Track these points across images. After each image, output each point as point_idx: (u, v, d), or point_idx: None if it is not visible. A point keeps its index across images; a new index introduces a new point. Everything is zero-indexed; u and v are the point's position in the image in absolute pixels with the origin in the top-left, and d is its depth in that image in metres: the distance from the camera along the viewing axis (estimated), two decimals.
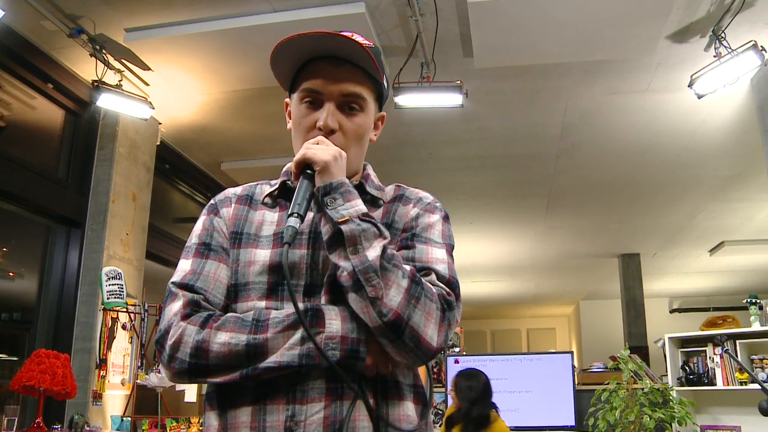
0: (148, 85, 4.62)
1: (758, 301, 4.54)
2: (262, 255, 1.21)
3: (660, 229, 8.63)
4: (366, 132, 1.30)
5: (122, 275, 4.46)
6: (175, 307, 1.16)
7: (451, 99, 4.22)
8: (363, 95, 1.26)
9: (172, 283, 1.21)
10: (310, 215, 1.22)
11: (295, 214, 1.12)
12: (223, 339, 1.10)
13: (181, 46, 4.15)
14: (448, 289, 1.15)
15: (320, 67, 1.24)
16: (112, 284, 4.39)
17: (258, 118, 5.31)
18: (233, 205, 1.31)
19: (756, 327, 4.50)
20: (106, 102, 4.28)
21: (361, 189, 1.29)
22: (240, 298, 1.20)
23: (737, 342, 4.53)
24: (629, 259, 9.97)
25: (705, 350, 4.74)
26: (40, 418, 3.33)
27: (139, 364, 4.47)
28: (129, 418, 4.13)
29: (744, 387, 4.36)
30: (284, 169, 1.35)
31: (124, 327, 4.48)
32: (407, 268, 1.11)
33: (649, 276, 10.22)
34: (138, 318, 4.53)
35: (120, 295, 4.40)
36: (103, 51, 4.16)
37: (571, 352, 4.73)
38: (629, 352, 4.53)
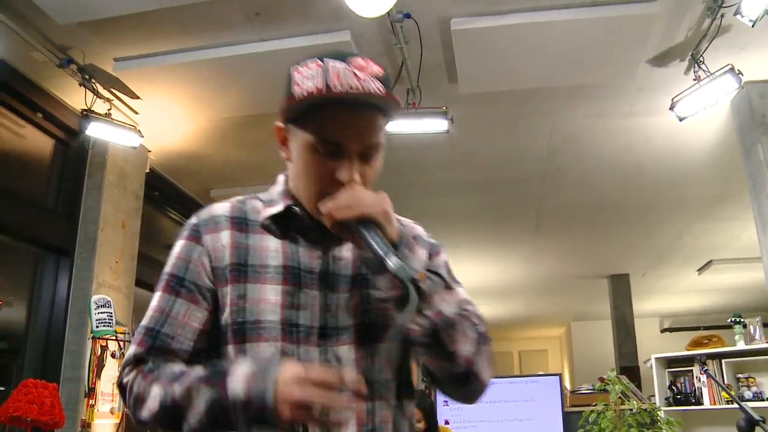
0: (137, 113, 4.66)
1: (742, 320, 4.58)
2: (273, 292, 1.12)
3: (648, 250, 8.69)
4: (376, 174, 1.20)
5: (111, 303, 4.46)
6: (128, 354, 1.15)
7: (437, 124, 4.28)
8: (382, 140, 1.17)
9: (142, 327, 1.16)
10: (315, 248, 1.17)
11: (412, 282, 1.01)
12: (154, 392, 1.06)
13: (170, 75, 4.20)
14: (484, 325, 1.16)
15: (342, 117, 1.09)
16: (102, 312, 4.38)
17: (246, 145, 5.35)
18: (228, 230, 1.17)
19: (741, 346, 4.54)
20: (95, 131, 4.31)
21: None
22: (250, 338, 1.10)
23: (723, 361, 4.56)
24: (618, 280, 9.99)
25: (692, 370, 4.77)
26: None
27: None
28: None
29: (730, 406, 4.38)
30: (280, 188, 1.23)
31: (113, 355, 4.46)
32: (471, 313, 1.13)
33: (638, 296, 10.24)
34: (127, 346, 4.52)
35: (109, 323, 4.39)
36: (93, 80, 4.20)
37: (559, 374, 4.75)
38: (617, 373, 4.56)
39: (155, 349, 1.11)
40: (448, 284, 1.11)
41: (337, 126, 1.10)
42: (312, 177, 1.13)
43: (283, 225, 1.18)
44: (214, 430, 1.02)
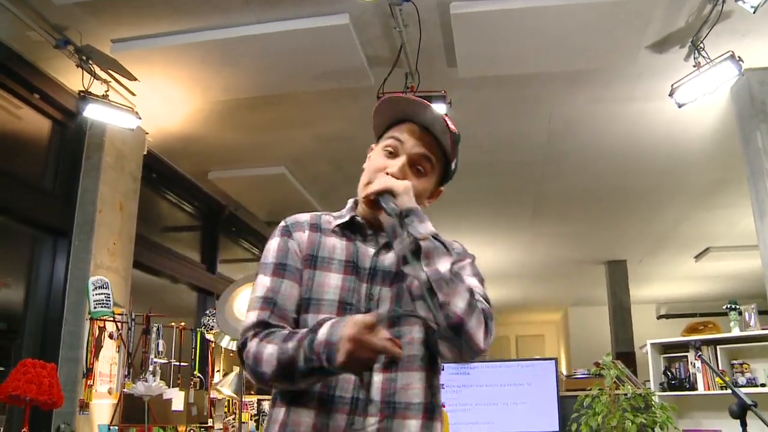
0: (134, 95, 4.64)
1: (737, 306, 4.60)
2: (335, 279, 1.42)
3: (646, 236, 8.71)
4: (422, 195, 1.49)
5: (109, 284, 4.47)
6: (248, 322, 1.39)
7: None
8: (433, 161, 1.48)
9: (257, 297, 1.42)
10: (369, 250, 1.46)
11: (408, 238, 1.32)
12: (269, 350, 1.32)
13: (168, 56, 4.18)
14: (488, 306, 1.37)
15: (410, 127, 1.48)
16: (99, 293, 4.39)
17: (244, 127, 5.34)
18: (306, 231, 1.50)
19: (735, 332, 4.56)
20: (92, 112, 4.30)
21: None
22: (311, 311, 1.40)
23: (718, 347, 4.58)
24: (616, 266, 10.04)
25: (686, 356, 4.78)
26: (27, 428, 3.34)
27: (126, 372, 4.47)
28: (116, 427, 4.13)
29: (724, 391, 4.40)
30: (349, 205, 1.55)
31: (111, 336, 4.49)
32: (466, 282, 1.35)
33: (635, 282, 10.29)
34: (125, 327, 4.54)
35: (107, 304, 4.41)
36: (90, 61, 4.18)
37: (555, 359, 4.77)
38: (612, 358, 4.58)
39: (274, 316, 1.39)
40: (448, 251, 1.34)
41: (405, 130, 1.48)
42: (371, 169, 1.47)
43: (349, 231, 1.49)
44: (312, 374, 1.27)
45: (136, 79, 4.40)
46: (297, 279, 1.44)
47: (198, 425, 4.50)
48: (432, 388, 1.39)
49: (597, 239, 8.94)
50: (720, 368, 4.50)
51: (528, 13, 3.74)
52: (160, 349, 4.54)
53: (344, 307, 1.39)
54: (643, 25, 3.84)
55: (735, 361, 4.54)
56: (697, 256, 9.58)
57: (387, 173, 1.43)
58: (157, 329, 4.55)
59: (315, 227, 1.51)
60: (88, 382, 4.27)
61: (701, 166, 6.15)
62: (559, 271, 10.68)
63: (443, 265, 1.30)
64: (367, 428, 1.30)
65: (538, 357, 9.11)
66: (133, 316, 4.59)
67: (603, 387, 4.43)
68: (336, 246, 1.47)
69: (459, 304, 1.28)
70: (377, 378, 1.33)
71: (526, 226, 8.24)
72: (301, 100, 4.83)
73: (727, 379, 3.62)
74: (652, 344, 4.99)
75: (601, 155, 5.93)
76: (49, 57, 4.20)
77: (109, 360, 4.48)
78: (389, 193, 1.37)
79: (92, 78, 4.25)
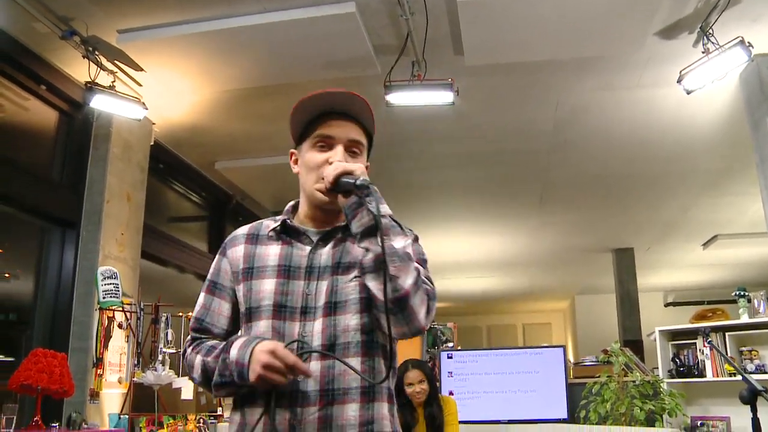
0: (140, 85, 4.64)
1: (746, 293, 4.58)
2: (269, 284, 1.49)
3: (653, 224, 8.69)
4: None
5: (118, 275, 4.49)
6: (189, 336, 1.60)
7: (442, 97, 4.26)
8: (363, 143, 1.56)
9: (193, 316, 1.59)
10: (305, 249, 1.52)
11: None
12: (198, 360, 1.51)
13: (174, 46, 4.17)
14: (432, 287, 1.45)
15: (333, 119, 1.53)
16: (108, 284, 4.42)
17: (250, 117, 5.34)
18: (243, 245, 1.58)
19: (745, 319, 4.55)
20: (99, 103, 4.30)
21: (347, 228, 1.48)
22: (254, 318, 1.49)
23: (726, 334, 4.57)
24: (623, 254, 10.02)
25: (695, 343, 4.77)
26: (39, 417, 3.36)
27: (136, 362, 4.50)
28: (126, 416, 4.16)
29: (733, 378, 4.40)
30: (286, 208, 1.63)
31: (120, 326, 4.51)
32: (420, 269, 1.42)
33: (643, 270, 10.26)
34: (134, 317, 4.56)
35: (116, 294, 4.43)
36: (96, 52, 4.18)
37: (563, 346, 4.76)
38: (620, 345, 4.57)
39: (201, 331, 1.57)
40: (403, 231, 1.45)
41: (330, 125, 1.53)
42: (312, 168, 1.52)
43: (284, 233, 1.57)
44: (225, 386, 1.44)
45: (142, 70, 4.40)
46: (225, 296, 1.57)
47: (207, 414, 4.53)
48: (372, 371, 1.43)
49: (604, 227, 8.92)
50: (729, 355, 4.49)
51: (535, 1, 3.72)
52: (169, 338, 4.56)
53: (279, 310, 1.47)
54: (651, 11, 3.81)
55: (744, 348, 4.53)
56: (705, 244, 9.55)
57: (331, 163, 1.47)
58: (166, 319, 4.57)
59: (252, 238, 1.59)
60: (98, 371, 4.30)
61: (709, 153, 6.12)
62: (566, 258, 10.67)
63: (398, 243, 1.39)
64: (308, 417, 1.37)
65: (546, 345, 9.12)
66: (141, 306, 4.61)
67: (611, 374, 4.43)
68: (270, 253, 1.54)
69: (407, 281, 1.36)
70: (315, 367, 1.40)
71: (533, 214, 8.22)
72: (308, 89, 4.75)
73: (736, 365, 3.61)
74: (660, 331, 4.98)
75: (608, 142, 5.90)
76: (56, 48, 4.20)
77: (118, 350, 4.50)
78: (348, 174, 1.41)
79: (99, 69, 4.26)
